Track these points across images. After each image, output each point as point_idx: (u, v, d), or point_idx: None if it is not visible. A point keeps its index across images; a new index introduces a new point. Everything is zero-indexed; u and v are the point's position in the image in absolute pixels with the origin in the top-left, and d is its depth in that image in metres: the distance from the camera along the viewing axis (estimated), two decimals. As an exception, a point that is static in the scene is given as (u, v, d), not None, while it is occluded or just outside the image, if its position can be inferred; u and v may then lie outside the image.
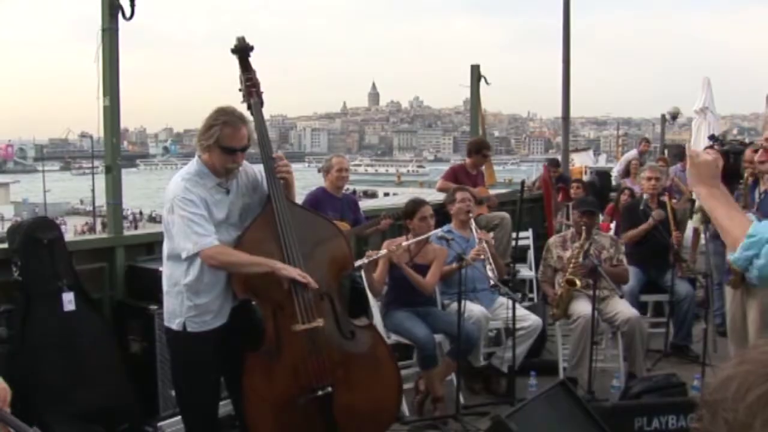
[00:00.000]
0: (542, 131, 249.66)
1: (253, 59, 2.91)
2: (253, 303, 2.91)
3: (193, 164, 2.79)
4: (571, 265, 4.35)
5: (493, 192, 7.14)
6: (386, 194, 44.57)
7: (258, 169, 2.94)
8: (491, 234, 4.91)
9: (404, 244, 4.07)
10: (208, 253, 2.67)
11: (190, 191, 2.69)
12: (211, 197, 2.75)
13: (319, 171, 4.99)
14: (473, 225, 4.44)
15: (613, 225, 6.31)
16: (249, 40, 2.91)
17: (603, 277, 4.07)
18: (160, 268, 2.92)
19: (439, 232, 4.21)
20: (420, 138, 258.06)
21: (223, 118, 2.69)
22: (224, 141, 2.69)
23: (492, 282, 3.91)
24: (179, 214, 2.66)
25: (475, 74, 8.24)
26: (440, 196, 6.53)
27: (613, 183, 9.16)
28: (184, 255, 2.69)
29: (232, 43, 2.90)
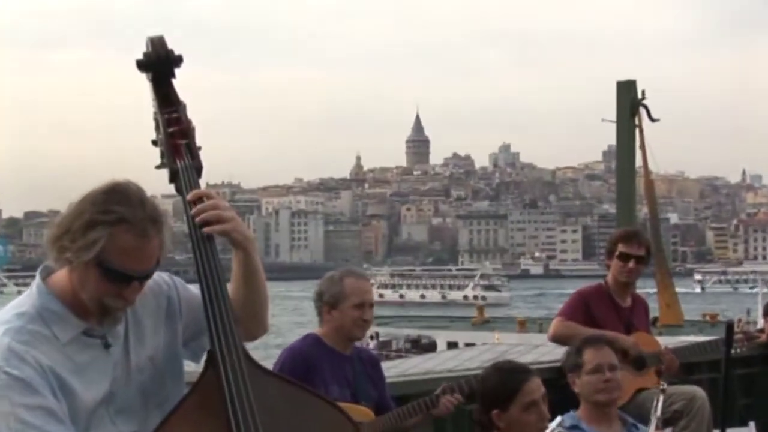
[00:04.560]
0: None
1: (182, 82, 3.06)
2: None
3: (33, 295, 2.86)
4: None
5: (669, 341, 7.09)
6: (452, 345, 44.40)
7: (165, 278, 3.06)
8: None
9: None
10: None
11: (20, 360, 2.72)
12: (70, 363, 2.80)
13: (319, 303, 5.06)
14: (622, 415, 4.54)
15: None
16: (172, 45, 3.05)
17: None
18: None
19: (552, 428, 4.12)
20: (514, 228, 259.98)
21: (119, 211, 2.76)
22: (114, 259, 2.75)
23: None
24: None
25: (628, 98, 8.48)
26: (556, 352, 6.48)
27: None
28: None
29: (140, 49, 3.05)
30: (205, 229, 2.95)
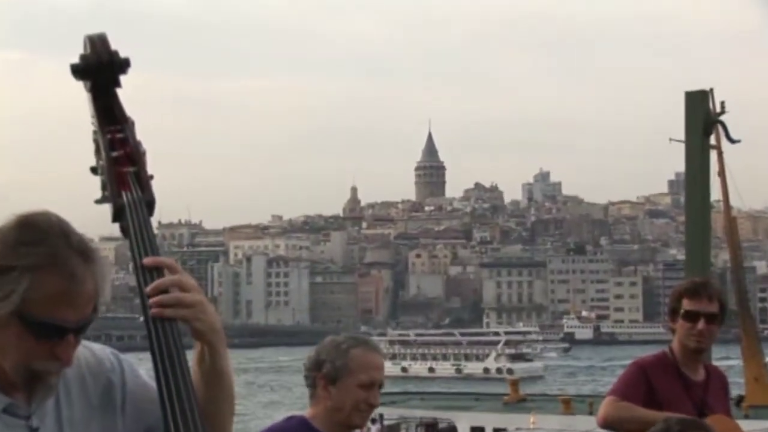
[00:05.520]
0: None
1: (129, 92, 3.07)
2: None
3: None
4: None
5: (757, 426, 7.09)
6: (478, 430, 44.33)
7: (108, 354, 3.04)
8: None
9: None
10: None
11: None
12: None
13: (315, 373, 5.06)
14: None
15: None
16: (117, 46, 3.06)
17: None
18: None
19: None
20: (555, 280, 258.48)
21: (40, 249, 2.75)
22: (40, 309, 2.72)
23: None
24: None
25: (701, 112, 8.54)
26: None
27: None
28: None
29: (77, 51, 3.05)
30: (154, 312, 2.91)
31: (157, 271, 2.96)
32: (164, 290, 2.92)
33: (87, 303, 2.77)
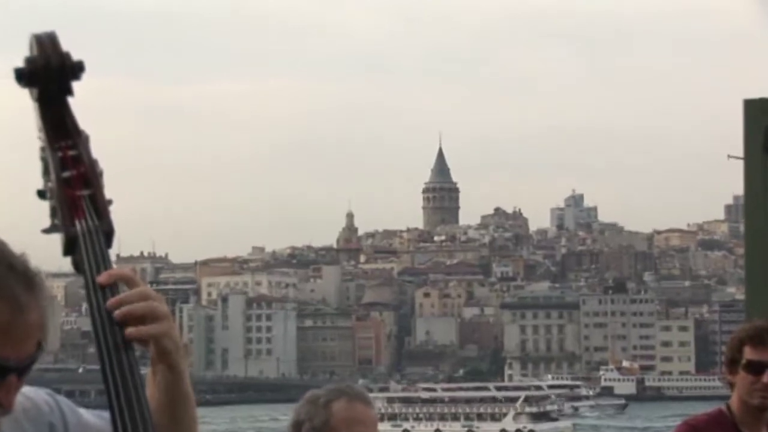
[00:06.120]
0: None
1: (83, 101, 3.08)
2: None
3: None
4: None
5: None
6: None
7: (44, 396, 3.06)
8: None
9: None
10: None
11: None
12: None
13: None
14: None
15: None
16: (69, 46, 3.09)
17: None
18: None
19: None
20: (590, 324, 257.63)
21: None
22: None
23: None
24: None
25: (762, 124, 8.70)
26: None
27: None
28: None
29: (22, 53, 3.08)
30: (131, 332, 2.89)
31: (113, 290, 2.93)
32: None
33: (30, 337, 2.76)
